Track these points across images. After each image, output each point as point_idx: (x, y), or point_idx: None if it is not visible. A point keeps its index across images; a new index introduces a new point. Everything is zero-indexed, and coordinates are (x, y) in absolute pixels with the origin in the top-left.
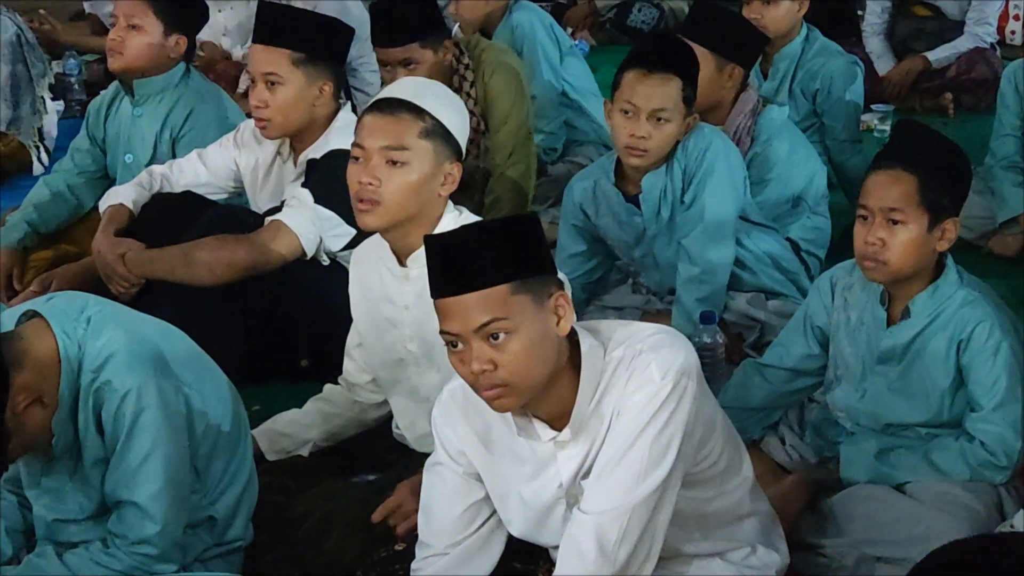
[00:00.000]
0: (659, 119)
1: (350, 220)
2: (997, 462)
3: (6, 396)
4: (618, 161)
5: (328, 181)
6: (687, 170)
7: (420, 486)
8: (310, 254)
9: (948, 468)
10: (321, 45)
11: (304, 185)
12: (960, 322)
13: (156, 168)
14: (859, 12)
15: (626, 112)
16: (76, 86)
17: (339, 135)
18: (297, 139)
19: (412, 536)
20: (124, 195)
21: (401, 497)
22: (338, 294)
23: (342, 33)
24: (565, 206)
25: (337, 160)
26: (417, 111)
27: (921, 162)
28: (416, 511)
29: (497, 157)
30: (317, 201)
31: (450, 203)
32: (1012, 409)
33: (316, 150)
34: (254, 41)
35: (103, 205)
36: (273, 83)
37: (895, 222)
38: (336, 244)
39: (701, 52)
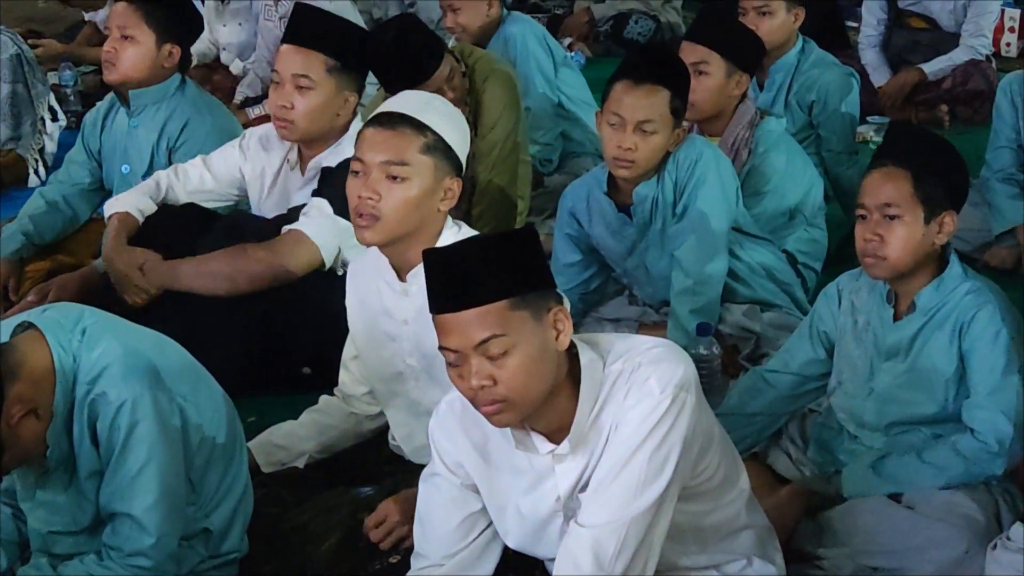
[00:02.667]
0: (645, 130)
1: None
2: (989, 448)
3: (0, 408)
4: (611, 171)
5: (340, 184)
6: (678, 181)
7: (405, 501)
8: (329, 264)
9: (943, 464)
10: (354, 54)
11: (319, 194)
12: (963, 309)
13: (160, 174)
14: (852, 24)
15: (613, 123)
16: (72, 97)
17: (353, 144)
18: (307, 146)
19: (407, 548)
20: (130, 203)
21: (384, 512)
22: (340, 302)
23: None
24: (559, 215)
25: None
26: (418, 126)
27: (913, 158)
28: (400, 525)
29: (482, 164)
30: (337, 212)
31: (449, 218)
32: (1006, 395)
33: (330, 158)
34: (287, 41)
35: (108, 211)
36: (303, 87)
37: (891, 217)
38: (354, 254)
39: (713, 57)
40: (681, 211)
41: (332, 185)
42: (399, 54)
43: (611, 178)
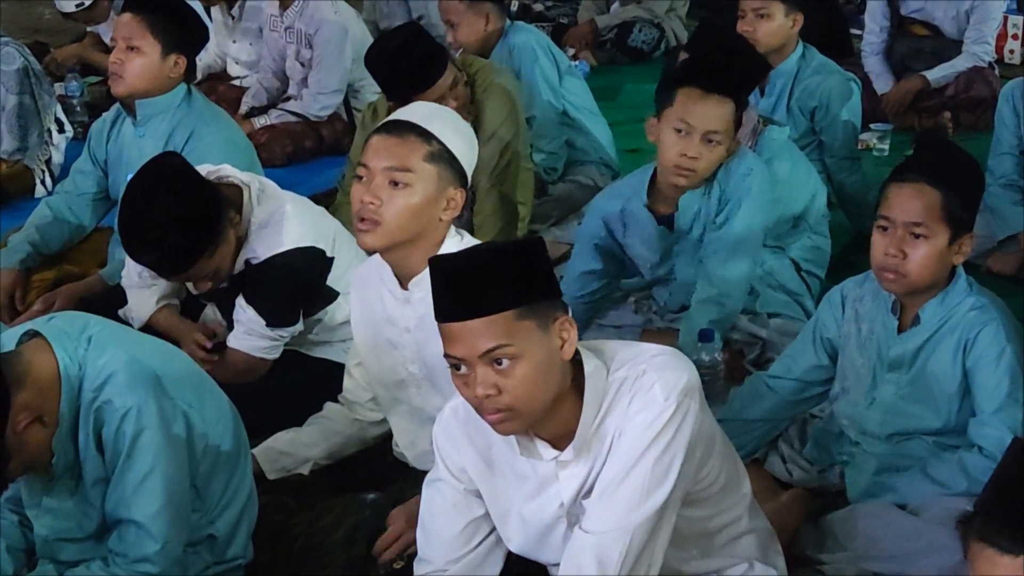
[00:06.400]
0: (711, 140)
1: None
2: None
3: (7, 415)
4: (651, 179)
5: (273, 293)
6: (725, 192)
7: (415, 513)
8: (278, 354)
9: (946, 480)
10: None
11: (250, 297)
12: (967, 325)
13: None
14: (856, 32)
15: (679, 130)
16: (78, 108)
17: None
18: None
19: (412, 555)
20: None
21: (399, 528)
22: None
23: None
24: (587, 222)
25: (280, 264)
26: (424, 134)
27: (945, 177)
28: (408, 531)
29: (482, 172)
30: (269, 324)
31: (452, 227)
32: (1012, 413)
33: (258, 246)
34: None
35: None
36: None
37: (917, 236)
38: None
39: None
40: (722, 221)
41: (262, 294)
42: (404, 62)
43: (650, 186)
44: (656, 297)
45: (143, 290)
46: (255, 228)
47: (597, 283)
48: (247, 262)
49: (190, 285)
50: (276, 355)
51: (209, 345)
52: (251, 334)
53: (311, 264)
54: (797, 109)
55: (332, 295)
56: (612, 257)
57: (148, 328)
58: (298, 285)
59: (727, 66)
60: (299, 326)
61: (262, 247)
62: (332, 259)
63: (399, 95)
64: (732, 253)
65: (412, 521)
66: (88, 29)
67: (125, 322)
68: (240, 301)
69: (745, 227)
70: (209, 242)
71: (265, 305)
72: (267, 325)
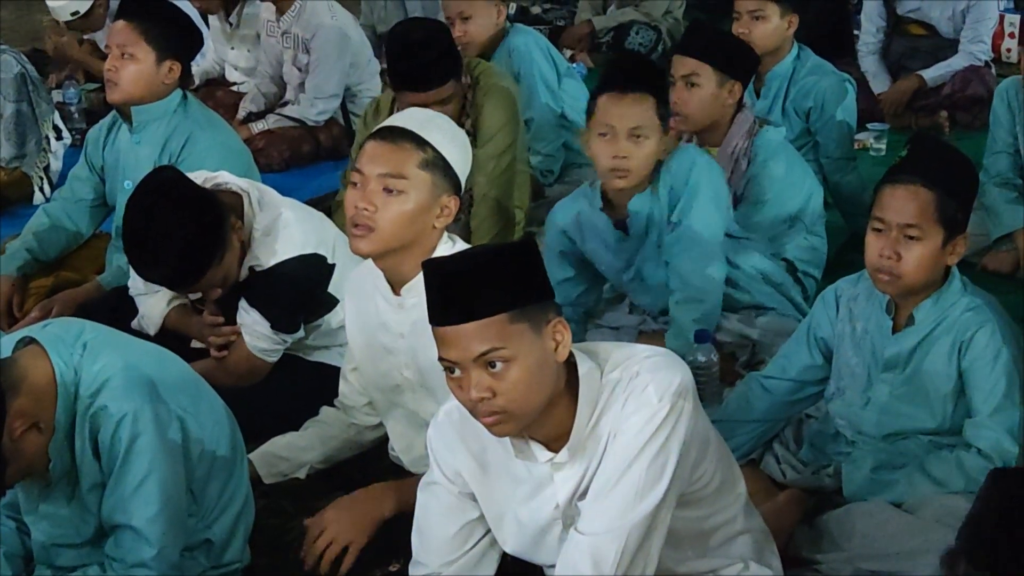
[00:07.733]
0: (638, 136)
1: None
2: (994, 467)
3: (3, 422)
4: (603, 187)
5: (278, 298)
6: (673, 189)
7: (351, 507)
8: (278, 357)
9: (944, 479)
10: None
11: (254, 301)
12: (962, 326)
13: None
14: (855, 32)
15: (604, 135)
16: (76, 115)
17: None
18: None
19: (407, 557)
20: None
21: (331, 534)
22: None
23: None
24: (549, 234)
25: (285, 272)
26: (419, 142)
27: (940, 178)
28: (349, 544)
29: (479, 175)
30: (275, 328)
31: (445, 234)
32: (1009, 414)
33: (262, 252)
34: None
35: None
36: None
37: (911, 237)
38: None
39: (704, 68)
40: (676, 220)
41: (267, 299)
42: (423, 54)
43: (603, 195)
44: (636, 303)
45: (152, 296)
46: (258, 235)
47: (579, 288)
48: (251, 269)
49: (194, 295)
50: (276, 358)
51: (221, 320)
52: (254, 336)
53: (315, 271)
54: (792, 110)
55: (333, 302)
56: (582, 262)
57: (163, 331)
58: (302, 292)
59: (640, 64)
60: (300, 332)
61: (266, 254)
62: (333, 265)
63: (407, 86)
64: (697, 249)
65: (358, 525)
66: (85, 37)
67: (139, 334)
68: (243, 304)
69: (703, 222)
70: (215, 251)
71: (270, 309)
72: (271, 328)
